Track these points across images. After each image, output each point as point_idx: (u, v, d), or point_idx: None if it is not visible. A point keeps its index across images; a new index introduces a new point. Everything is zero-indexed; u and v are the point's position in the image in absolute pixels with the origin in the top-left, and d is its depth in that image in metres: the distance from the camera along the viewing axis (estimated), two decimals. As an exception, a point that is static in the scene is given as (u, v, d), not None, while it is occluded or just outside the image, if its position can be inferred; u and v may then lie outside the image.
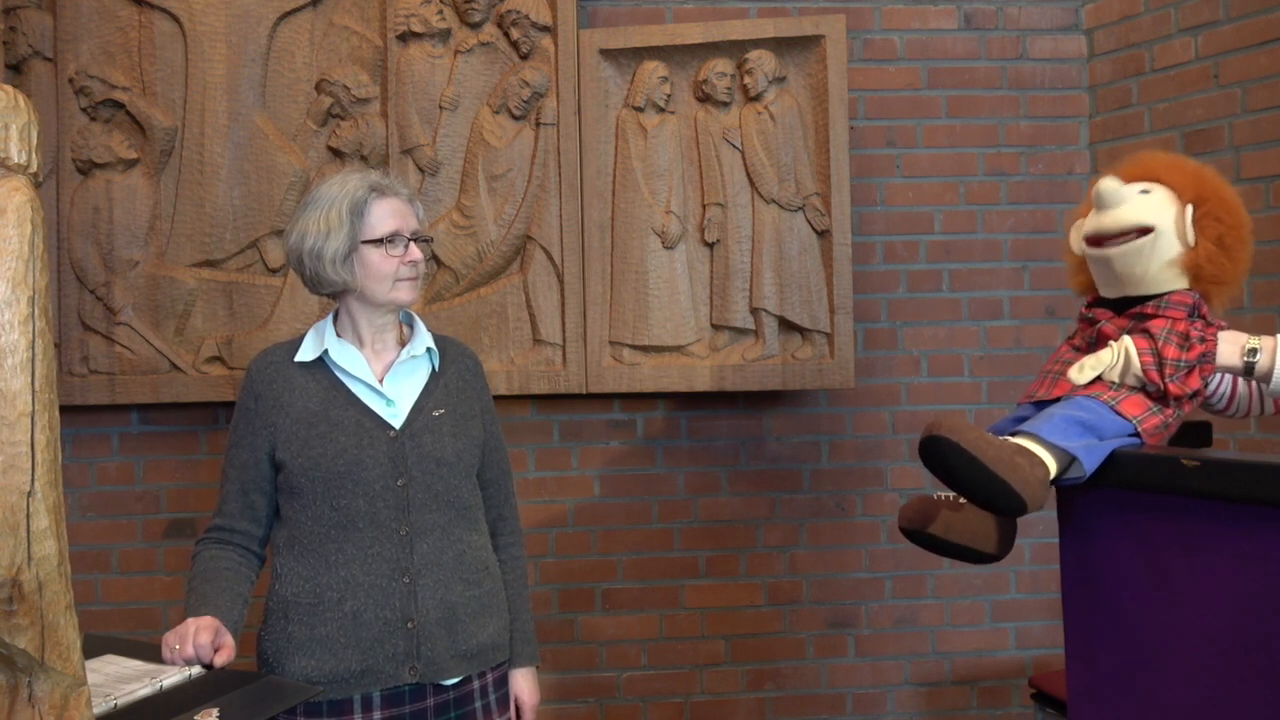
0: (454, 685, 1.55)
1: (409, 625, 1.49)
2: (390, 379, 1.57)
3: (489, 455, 1.67)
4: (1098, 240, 1.40)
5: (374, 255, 1.52)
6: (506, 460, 1.73)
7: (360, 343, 1.58)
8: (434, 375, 1.62)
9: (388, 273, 1.52)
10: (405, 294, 1.55)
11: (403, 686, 1.50)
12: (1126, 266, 1.38)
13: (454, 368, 1.65)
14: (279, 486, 1.55)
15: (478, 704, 1.58)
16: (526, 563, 1.75)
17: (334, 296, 1.58)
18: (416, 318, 1.65)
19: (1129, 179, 1.43)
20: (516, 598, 1.69)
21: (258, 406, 1.54)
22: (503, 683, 1.64)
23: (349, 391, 1.55)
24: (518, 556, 1.72)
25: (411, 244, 1.54)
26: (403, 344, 1.61)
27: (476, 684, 1.58)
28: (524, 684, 1.69)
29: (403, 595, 1.50)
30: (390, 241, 1.52)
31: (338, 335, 1.58)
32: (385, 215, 1.53)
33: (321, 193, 1.54)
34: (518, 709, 1.69)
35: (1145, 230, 1.36)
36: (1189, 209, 1.36)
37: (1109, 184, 1.37)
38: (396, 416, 1.55)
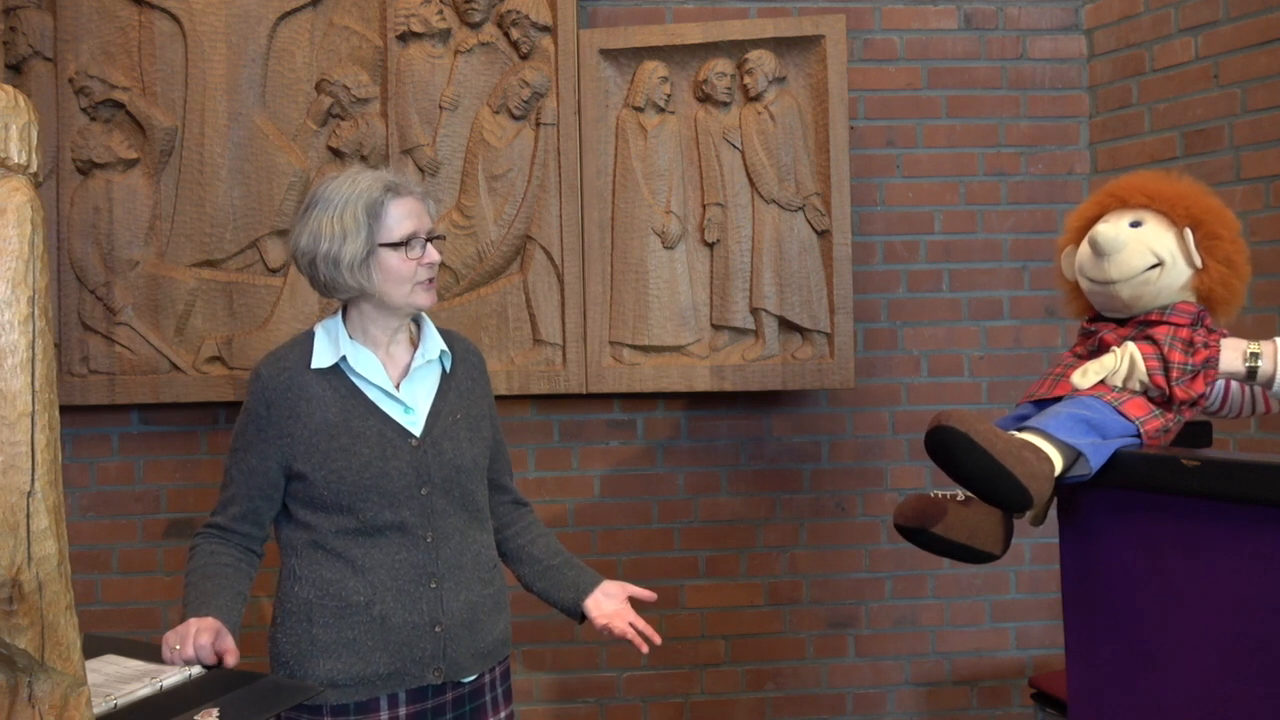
0: (469, 680, 1.57)
1: (436, 629, 1.50)
2: (406, 384, 1.55)
3: (496, 449, 1.68)
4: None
5: (393, 259, 1.47)
6: (508, 451, 1.74)
7: (375, 345, 1.54)
8: (445, 377, 1.60)
9: (407, 275, 1.48)
10: (424, 298, 1.52)
11: (426, 684, 1.52)
12: (1135, 295, 1.38)
13: (462, 367, 1.63)
14: (295, 495, 1.52)
15: (488, 697, 1.61)
16: None
17: (347, 300, 1.55)
18: (425, 317, 1.62)
19: (1104, 209, 1.43)
20: (558, 550, 1.70)
21: (270, 415, 1.50)
22: (507, 677, 1.67)
23: (368, 400, 1.52)
24: (540, 521, 1.76)
25: (429, 245, 1.51)
26: (413, 344, 1.59)
27: (487, 678, 1.61)
28: (607, 602, 1.60)
29: (430, 600, 1.50)
30: (408, 244, 1.48)
31: (350, 338, 1.54)
32: (403, 216, 1.49)
33: (330, 193, 1.48)
34: (611, 623, 1.57)
35: (1153, 265, 1.36)
36: (1188, 233, 1.36)
37: (1106, 231, 1.36)
38: (415, 424, 1.53)
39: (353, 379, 1.52)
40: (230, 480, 1.54)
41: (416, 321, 1.62)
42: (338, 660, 1.47)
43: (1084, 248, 1.43)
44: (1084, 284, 1.44)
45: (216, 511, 1.55)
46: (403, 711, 1.51)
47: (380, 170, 1.57)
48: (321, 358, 1.51)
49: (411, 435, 1.52)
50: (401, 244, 1.48)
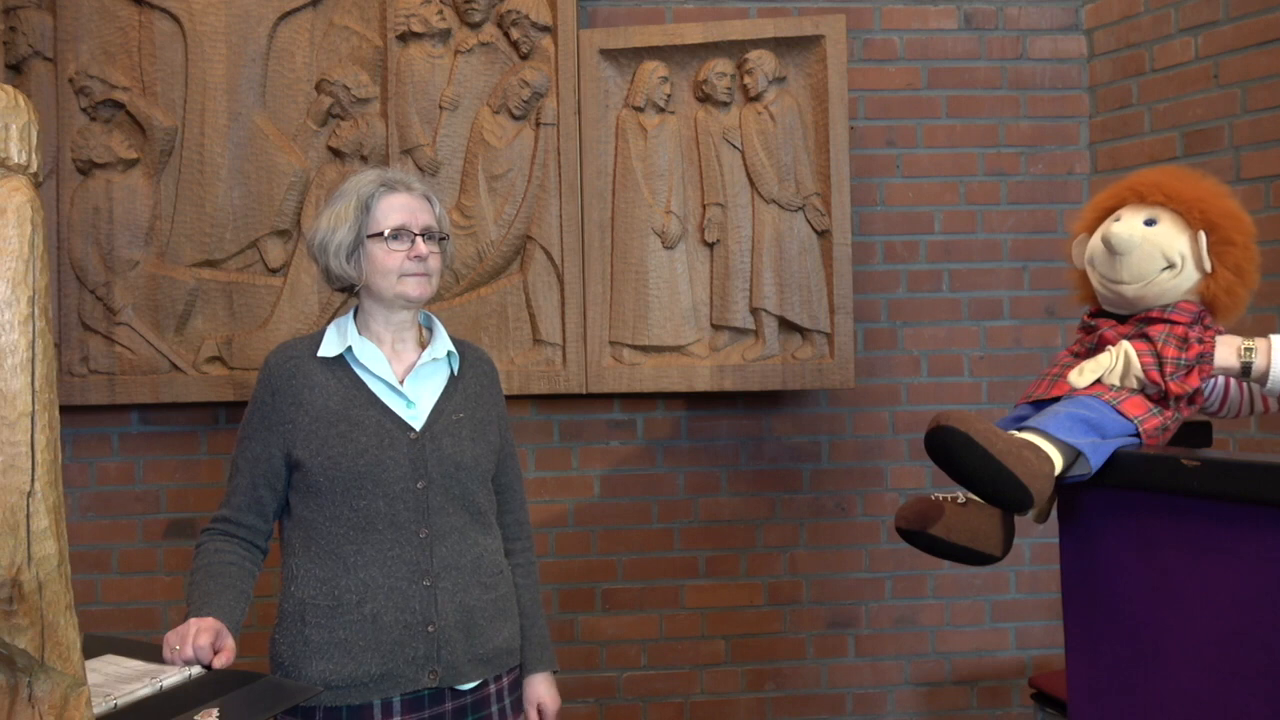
0: (471, 690, 1.55)
1: (429, 629, 1.49)
2: (411, 380, 1.57)
3: (504, 461, 1.67)
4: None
5: (378, 250, 1.52)
6: (519, 466, 1.74)
7: (379, 342, 1.58)
8: (453, 379, 1.61)
9: (392, 268, 1.52)
10: (413, 289, 1.53)
11: (422, 691, 1.50)
12: (1139, 295, 1.38)
13: (472, 372, 1.65)
14: (294, 485, 1.54)
15: (494, 708, 1.58)
16: (538, 567, 1.75)
17: (352, 293, 1.60)
18: (436, 321, 1.65)
19: (1122, 202, 1.42)
20: (532, 603, 1.69)
21: (275, 402, 1.53)
22: (516, 687, 1.64)
23: (369, 391, 1.54)
24: (532, 561, 1.73)
25: (419, 239, 1.53)
26: (423, 346, 1.61)
27: (493, 688, 1.58)
28: (545, 689, 1.68)
29: (423, 598, 1.49)
30: (395, 237, 1.52)
31: (359, 333, 1.58)
32: (391, 210, 1.53)
33: (341, 189, 1.57)
34: (540, 714, 1.68)
35: (1165, 268, 1.36)
36: (1202, 237, 1.36)
37: (1120, 231, 1.36)
38: (417, 418, 1.54)
39: (357, 370, 1.55)
40: (236, 470, 1.56)
41: (430, 328, 1.64)
42: (330, 661, 1.47)
43: (1096, 241, 1.42)
44: (1092, 276, 1.44)
45: (223, 504, 1.57)
46: None
47: (386, 169, 1.63)
48: (329, 347, 1.56)
49: (411, 428, 1.53)
50: (386, 236, 1.52)
